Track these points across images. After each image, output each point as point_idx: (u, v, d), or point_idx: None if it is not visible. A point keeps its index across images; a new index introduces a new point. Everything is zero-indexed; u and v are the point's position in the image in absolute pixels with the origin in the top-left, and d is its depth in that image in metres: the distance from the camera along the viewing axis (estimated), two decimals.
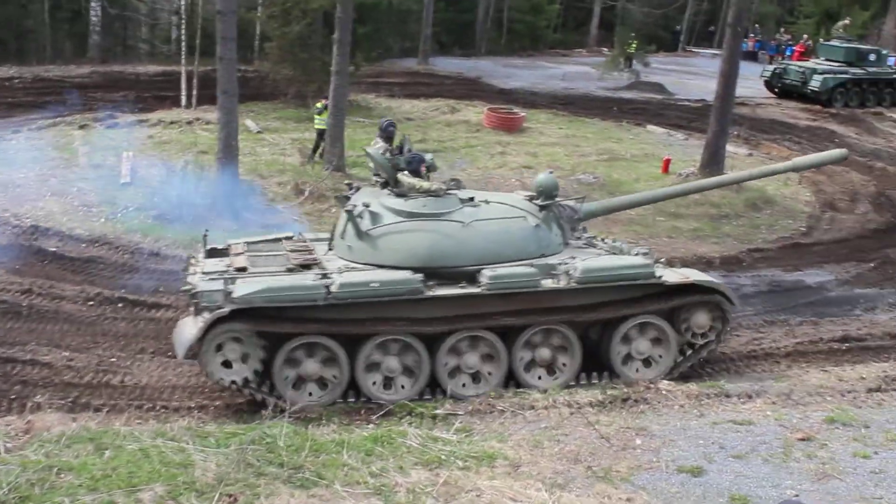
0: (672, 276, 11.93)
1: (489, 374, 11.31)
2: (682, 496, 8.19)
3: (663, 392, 10.71)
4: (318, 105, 22.56)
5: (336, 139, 21.41)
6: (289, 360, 10.80)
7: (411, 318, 10.98)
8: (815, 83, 34.37)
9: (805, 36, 46.22)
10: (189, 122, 25.27)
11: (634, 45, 39.36)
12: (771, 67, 37.65)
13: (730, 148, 24.06)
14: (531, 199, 12.22)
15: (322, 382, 10.98)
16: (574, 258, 11.66)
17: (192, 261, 12.17)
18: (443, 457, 8.65)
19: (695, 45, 50.90)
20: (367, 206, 11.42)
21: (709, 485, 8.38)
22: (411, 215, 11.36)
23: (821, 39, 41.33)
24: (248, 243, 12.25)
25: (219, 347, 10.55)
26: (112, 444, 8.32)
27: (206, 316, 10.35)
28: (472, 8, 44.47)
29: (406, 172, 11.81)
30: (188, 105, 27.43)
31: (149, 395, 11.25)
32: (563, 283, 11.32)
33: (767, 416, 10.05)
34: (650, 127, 29.25)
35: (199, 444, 8.40)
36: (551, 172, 12.90)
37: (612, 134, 28.11)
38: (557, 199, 12.39)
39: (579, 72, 38.73)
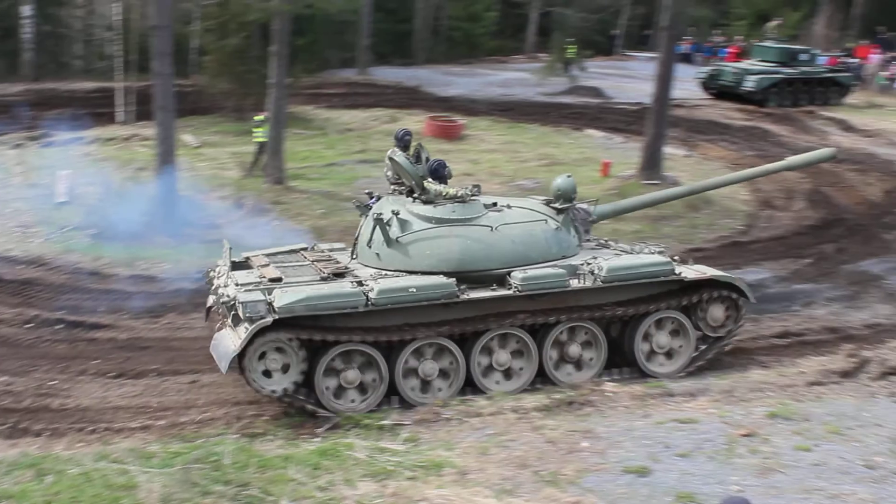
0: (689, 272, 12.47)
1: (520, 369, 11.73)
2: (629, 496, 8.25)
3: (608, 394, 10.80)
4: (258, 118, 22.45)
5: (276, 152, 21.34)
6: (328, 369, 11.03)
7: (446, 322, 11.31)
8: (750, 84, 34.86)
9: (739, 37, 46.92)
10: (126, 139, 25.03)
11: (572, 51, 39.65)
12: (706, 69, 38.08)
13: (668, 150, 24.31)
14: (548, 202, 12.75)
15: (362, 388, 11.19)
16: (596, 258, 12.16)
17: (213, 274, 12.44)
18: (390, 467, 8.63)
19: (631, 49, 51.39)
20: (396, 213, 11.69)
21: (655, 484, 8.45)
22: (441, 221, 11.74)
23: (756, 41, 41.93)
24: (268, 255, 12.47)
25: (261, 357, 10.70)
26: (53, 470, 8.20)
27: (249, 326, 10.47)
28: (410, 17, 44.52)
29: (430, 179, 12.19)
30: (125, 121, 27.14)
31: (90, 417, 11.09)
32: (589, 283, 11.82)
33: (711, 414, 10.17)
34: (589, 131, 29.47)
35: (143, 466, 8.30)
36: (569, 176, 13.18)
37: (552, 139, 28.29)
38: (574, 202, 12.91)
39: (518, 78, 38.94)
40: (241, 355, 10.53)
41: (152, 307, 14.64)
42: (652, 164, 23.10)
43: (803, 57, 36.44)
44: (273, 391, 10.74)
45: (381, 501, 7.92)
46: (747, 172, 16.18)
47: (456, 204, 11.91)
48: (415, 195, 12.19)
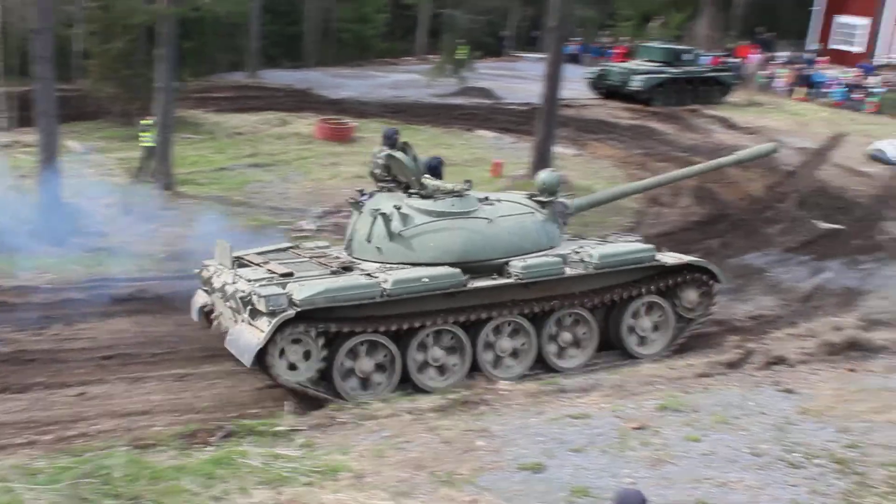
0: (668, 258, 13.37)
1: (523, 345, 12.45)
2: (526, 493, 8.34)
3: (502, 392, 10.89)
4: (145, 122, 22.01)
5: (164, 157, 20.96)
6: (345, 358, 11.48)
7: (452, 310, 11.88)
8: (636, 83, 35.52)
9: (625, 38, 47.80)
10: (7, 146, 24.24)
11: (462, 52, 39.85)
12: (594, 69, 38.67)
13: (558, 149, 24.61)
14: (531, 196, 13.40)
15: (375, 377, 11.67)
16: (582, 247, 13.08)
17: (209, 273, 12.63)
18: (285, 474, 8.56)
19: (520, 50, 51.86)
20: (398, 208, 12.19)
21: (550, 480, 8.56)
22: (441, 215, 12.28)
23: (642, 42, 42.77)
24: (260, 254, 12.74)
25: (281, 351, 11.06)
26: None
27: (270, 320, 10.83)
28: (300, 20, 44.14)
29: (427, 175, 12.82)
30: (6, 127, 26.30)
31: None
32: (582, 270, 12.60)
33: (603, 409, 10.34)
34: (480, 132, 29.66)
35: (29, 483, 8.06)
36: (553, 170, 13.92)
37: (444, 140, 28.38)
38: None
39: (408, 79, 38.95)
40: (262, 349, 10.87)
41: (37, 319, 14.22)
42: (542, 164, 23.29)
43: (687, 57, 37.30)
44: (297, 382, 11.18)
45: None
46: (703, 166, 16.95)
47: (454, 198, 12.42)
48: (411, 191, 12.63)
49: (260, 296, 10.97)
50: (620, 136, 30.42)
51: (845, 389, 11.28)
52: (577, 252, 12.85)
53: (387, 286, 11.33)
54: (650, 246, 13.40)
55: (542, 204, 13.24)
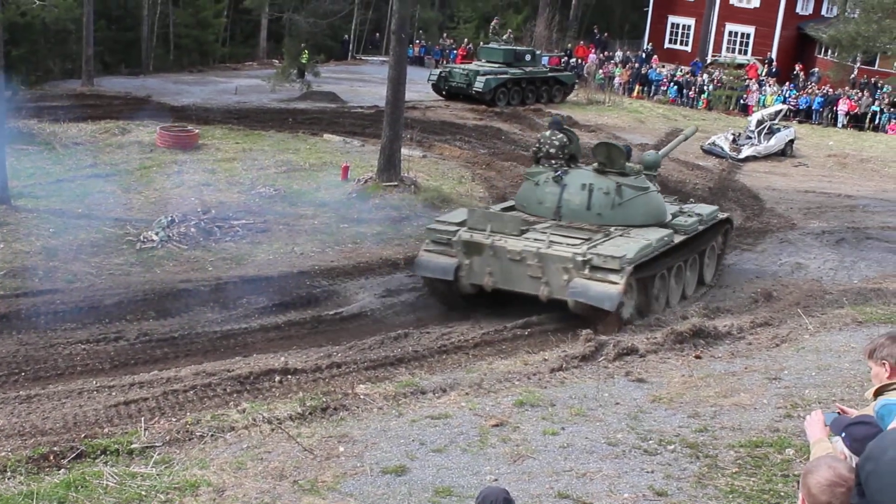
0: (719, 214, 18.21)
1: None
2: (389, 496, 8.31)
3: (361, 396, 10.83)
4: None
5: None
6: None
7: (677, 254, 16.20)
8: (479, 84, 35.97)
9: (466, 40, 48.37)
10: None
11: (305, 56, 39.55)
12: (437, 71, 38.96)
13: (405, 151, 24.71)
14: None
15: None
16: (682, 210, 17.23)
17: (478, 237, 15.17)
18: (143, 492, 8.30)
19: (363, 54, 51.90)
20: (619, 185, 15.82)
21: (413, 482, 8.56)
22: (640, 189, 16.06)
23: (483, 43, 43.31)
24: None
25: None
26: None
27: (620, 273, 14.20)
28: (136, 25, 42.96)
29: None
30: None
31: None
32: (700, 225, 16.80)
33: (462, 408, 10.40)
34: (326, 136, 29.49)
35: None
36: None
37: (290, 145, 28.11)
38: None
39: (251, 85, 38.41)
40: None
41: None
42: (390, 166, 23.41)
43: (527, 58, 38.00)
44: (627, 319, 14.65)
45: None
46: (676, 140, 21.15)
47: (641, 176, 16.33)
48: (606, 168, 16.15)
49: (607, 256, 14.28)
50: (466, 137, 30.75)
51: (693, 376, 11.69)
52: (684, 212, 16.98)
53: (676, 237, 15.89)
54: (716, 207, 18.61)
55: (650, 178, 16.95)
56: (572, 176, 16.00)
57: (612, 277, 14.10)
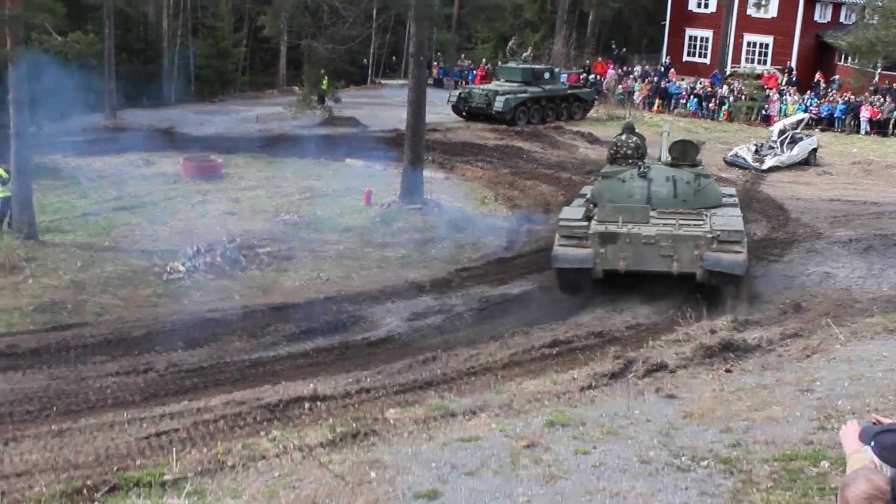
0: None
1: None
2: None
3: (391, 421, 10.81)
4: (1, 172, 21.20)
5: (24, 206, 20.22)
6: None
7: None
8: (499, 104, 36.01)
9: (484, 60, 48.49)
10: None
11: (325, 82, 39.76)
12: (456, 92, 39.03)
13: (427, 173, 24.78)
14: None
15: None
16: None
17: (612, 228, 17.01)
18: None
19: (383, 77, 52.10)
20: (697, 176, 18.48)
21: None
22: (707, 177, 18.87)
23: (501, 63, 43.42)
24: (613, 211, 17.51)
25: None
26: None
27: (741, 245, 16.87)
28: (157, 57, 43.37)
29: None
30: None
31: None
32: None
33: (493, 429, 10.35)
34: (349, 161, 29.62)
35: None
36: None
37: (312, 171, 28.25)
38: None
39: (272, 113, 38.63)
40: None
41: None
42: (412, 189, 23.46)
43: (546, 76, 38.01)
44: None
45: None
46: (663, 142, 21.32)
47: (703, 167, 19.23)
48: (680, 162, 18.79)
49: (731, 230, 16.75)
50: (488, 157, 30.78)
51: (724, 390, 11.59)
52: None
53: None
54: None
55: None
56: (654, 171, 18.42)
57: (736, 248, 16.66)
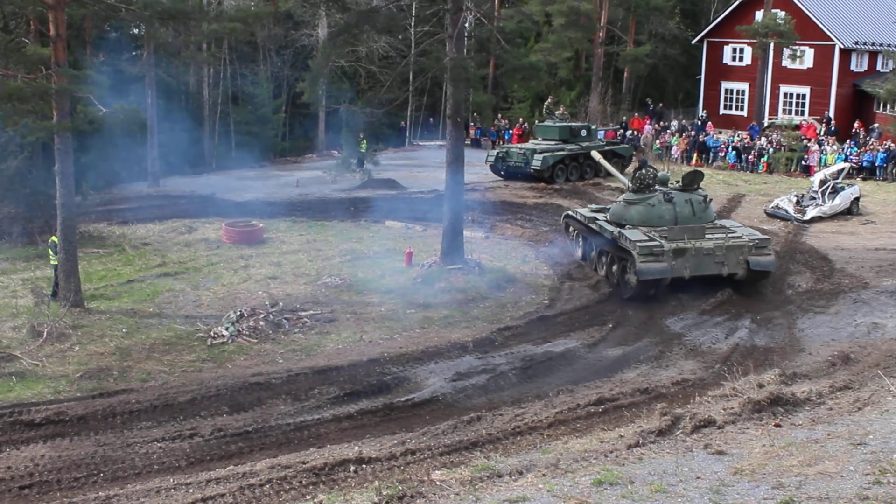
0: None
1: None
2: None
3: (437, 483, 10.73)
4: (53, 240, 21.48)
5: (70, 274, 20.51)
6: None
7: None
8: (537, 162, 36.08)
9: (521, 119, 48.72)
10: None
11: (363, 145, 40.13)
12: (494, 152, 39.17)
13: (467, 233, 24.82)
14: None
15: None
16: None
17: (667, 245, 21.30)
18: None
19: (420, 139, 52.47)
20: (704, 198, 23.01)
21: None
22: (708, 198, 23.49)
23: (537, 122, 43.59)
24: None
25: None
26: None
27: (768, 248, 22.25)
28: (198, 125, 44.06)
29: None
30: None
31: None
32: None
33: (540, 489, 10.24)
34: (388, 222, 29.79)
35: None
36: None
37: (353, 233, 28.44)
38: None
39: (312, 177, 39.02)
40: None
41: None
42: (453, 249, 23.50)
43: (583, 133, 38.10)
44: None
45: None
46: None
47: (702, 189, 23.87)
48: (685, 187, 23.31)
49: (762, 238, 21.86)
50: (527, 216, 30.83)
51: (774, 445, 11.39)
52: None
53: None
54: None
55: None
56: (676, 196, 22.55)
57: (766, 251, 21.78)
